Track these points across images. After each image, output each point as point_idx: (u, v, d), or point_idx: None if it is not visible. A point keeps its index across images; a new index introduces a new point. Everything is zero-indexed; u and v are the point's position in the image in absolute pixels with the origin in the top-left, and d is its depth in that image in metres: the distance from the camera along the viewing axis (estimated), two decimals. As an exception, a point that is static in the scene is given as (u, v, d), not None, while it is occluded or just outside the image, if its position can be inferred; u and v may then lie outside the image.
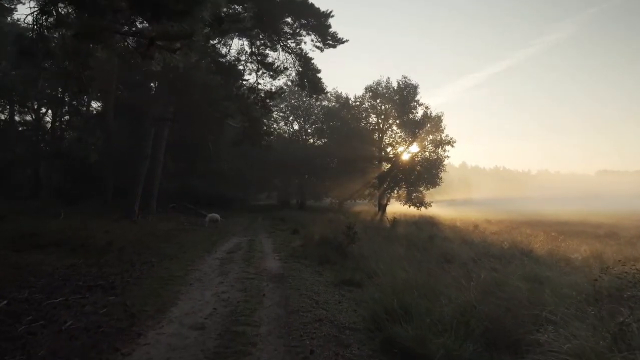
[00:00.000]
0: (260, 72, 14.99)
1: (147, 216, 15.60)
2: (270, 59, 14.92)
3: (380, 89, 28.00)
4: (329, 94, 30.47)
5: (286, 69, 15.03)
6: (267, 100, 14.58)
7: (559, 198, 76.95)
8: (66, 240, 8.69)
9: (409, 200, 26.96)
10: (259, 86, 14.97)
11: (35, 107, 27.15)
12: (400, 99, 26.93)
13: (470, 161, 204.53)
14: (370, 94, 28.38)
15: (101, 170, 19.53)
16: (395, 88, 27.33)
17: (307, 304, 4.89)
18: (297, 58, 14.86)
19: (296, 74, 15.36)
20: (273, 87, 15.96)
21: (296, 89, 30.76)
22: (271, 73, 14.82)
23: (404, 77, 27.12)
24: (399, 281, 5.10)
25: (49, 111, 28.11)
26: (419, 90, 27.01)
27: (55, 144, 20.63)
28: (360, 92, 25.44)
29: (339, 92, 31.15)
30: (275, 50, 15.33)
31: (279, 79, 15.54)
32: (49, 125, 27.87)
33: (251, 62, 15.52)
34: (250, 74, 16.33)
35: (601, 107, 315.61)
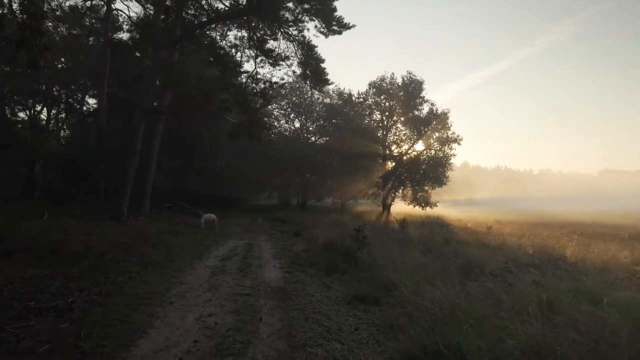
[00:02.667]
0: (260, 59, 13.86)
1: (138, 217, 14.55)
2: (270, 46, 13.80)
3: (384, 84, 26.83)
4: (330, 90, 29.43)
5: (287, 57, 13.89)
6: (267, 92, 13.48)
7: (562, 198, 76.15)
8: (38, 245, 7.65)
9: (415, 200, 25.88)
10: (258, 76, 13.87)
11: (30, 104, 26.18)
12: (405, 95, 25.80)
13: (472, 161, 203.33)
14: (374, 90, 27.20)
15: (94, 168, 18.52)
16: (400, 84, 26.18)
17: (316, 332, 3.82)
18: (300, 46, 13.71)
19: (298, 64, 14.22)
20: (273, 78, 14.92)
21: (297, 85, 29.93)
22: (271, 61, 13.69)
23: (409, 73, 26.00)
24: (428, 303, 4.08)
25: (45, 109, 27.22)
26: (424, 86, 25.89)
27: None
28: (362, 89, 24.86)
29: (341, 88, 30.01)
30: (276, 39, 14.24)
31: (279, 68, 14.42)
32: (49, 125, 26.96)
33: (249, 49, 14.38)
34: (248, 61, 15.24)
35: (603, 107, 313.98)
